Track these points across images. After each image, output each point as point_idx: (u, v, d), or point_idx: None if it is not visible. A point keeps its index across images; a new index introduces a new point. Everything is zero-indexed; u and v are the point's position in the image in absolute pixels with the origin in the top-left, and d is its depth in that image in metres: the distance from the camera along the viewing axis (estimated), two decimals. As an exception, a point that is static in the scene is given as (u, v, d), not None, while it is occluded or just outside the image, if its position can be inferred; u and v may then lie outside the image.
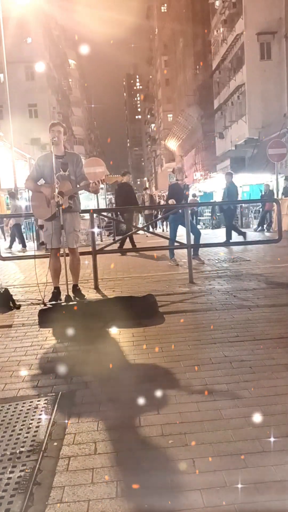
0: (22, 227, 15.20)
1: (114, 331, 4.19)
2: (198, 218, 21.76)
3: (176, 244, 8.01)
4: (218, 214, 20.60)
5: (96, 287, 6.17)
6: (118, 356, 3.55)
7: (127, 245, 10.87)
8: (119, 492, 1.88)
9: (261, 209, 16.71)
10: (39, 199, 5.17)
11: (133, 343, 3.80)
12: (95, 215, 7.15)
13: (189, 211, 6.97)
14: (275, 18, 27.38)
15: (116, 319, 4.39)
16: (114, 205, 14.91)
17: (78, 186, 5.16)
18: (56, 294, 5.32)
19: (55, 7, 47.50)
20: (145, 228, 12.30)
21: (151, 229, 16.07)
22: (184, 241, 6.73)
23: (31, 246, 13.55)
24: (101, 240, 14.60)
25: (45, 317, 4.56)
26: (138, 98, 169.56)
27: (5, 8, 19.01)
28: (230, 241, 10.83)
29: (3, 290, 5.44)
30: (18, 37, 33.14)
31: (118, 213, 12.50)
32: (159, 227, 19.85)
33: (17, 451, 2.22)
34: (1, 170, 23.59)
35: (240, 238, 11.26)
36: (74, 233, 5.28)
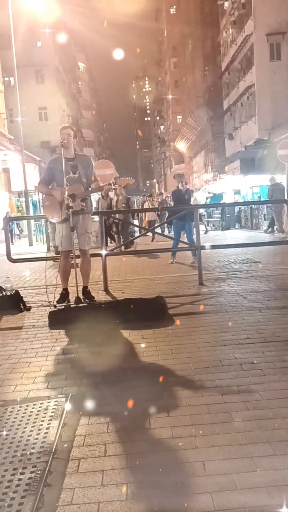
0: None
1: (123, 333, 4.19)
2: (207, 219, 21.71)
3: (185, 245, 8.03)
4: (228, 215, 20.54)
5: (106, 289, 6.18)
6: (128, 358, 3.55)
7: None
8: (129, 494, 1.87)
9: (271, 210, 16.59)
10: (50, 202, 5.21)
11: (142, 345, 3.80)
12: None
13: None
14: (284, 19, 27.27)
15: (126, 321, 4.40)
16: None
17: (90, 188, 5.19)
18: (64, 295, 5.33)
19: (65, 11, 47.82)
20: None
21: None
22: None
23: (41, 248, 13.60)
24: (110, 242, 14.62)
25: (55, 319, 4.58)
26: (147, 100, 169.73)
27: (15, 13, 19.14)
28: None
29: (13, 292, 5.48)
30: (28, 41, 33.32)
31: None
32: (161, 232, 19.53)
33: (28, 453, 2.23)
34: (11, 173, 23.78)
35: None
36: (86, 234, 5.31)
